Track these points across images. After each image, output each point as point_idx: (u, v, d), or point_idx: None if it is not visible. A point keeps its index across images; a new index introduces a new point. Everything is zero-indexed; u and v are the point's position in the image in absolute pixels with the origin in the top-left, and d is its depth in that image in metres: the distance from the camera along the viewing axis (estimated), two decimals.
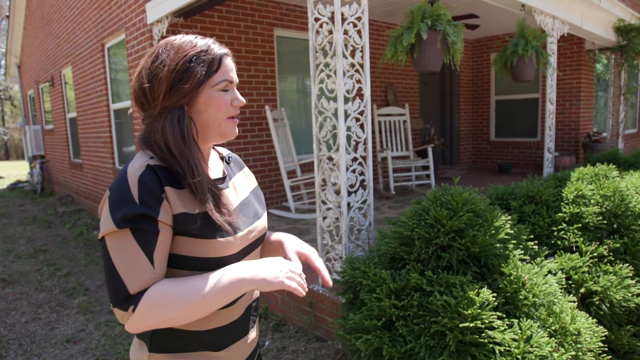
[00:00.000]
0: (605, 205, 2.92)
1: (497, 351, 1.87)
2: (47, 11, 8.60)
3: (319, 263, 1.15)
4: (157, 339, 1.03)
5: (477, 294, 1.97)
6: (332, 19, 2.66)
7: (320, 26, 2.72)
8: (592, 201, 2.96)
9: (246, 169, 1.28)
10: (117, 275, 0.89)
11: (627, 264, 2.60)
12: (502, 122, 8.75)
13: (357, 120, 2.79)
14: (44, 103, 10.35)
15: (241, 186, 1.19)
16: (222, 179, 1.13)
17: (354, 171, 2.79)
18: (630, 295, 2.45)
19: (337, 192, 2.79)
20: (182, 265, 0.98)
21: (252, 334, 1.17)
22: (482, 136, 9.01)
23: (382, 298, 2.10)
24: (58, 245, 5.94)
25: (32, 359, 3.05)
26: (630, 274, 2.53)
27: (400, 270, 2.23)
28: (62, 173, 9.51)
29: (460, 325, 1.89)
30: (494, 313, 1.95)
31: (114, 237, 0.91)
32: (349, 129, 2.75)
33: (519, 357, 1.87)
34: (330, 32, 2.67)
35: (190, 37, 1.03)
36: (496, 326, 1.94)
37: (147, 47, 4.76)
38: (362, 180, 2.89)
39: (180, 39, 1.03)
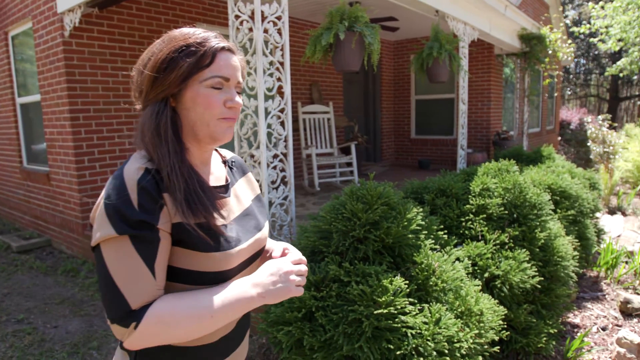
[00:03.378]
0: (506, 197, 3.20)
1: (410, 334, 2.00)
2: None
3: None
4: (142, 353, 0.94)
5: (391, 282, 2.10)
6: (252, 17, 2.68)
7: (241, 24, 2.72)
8: (496, 193, 3.23)
9: (249, 174, 1.19)
10: (116, 287, 0.83)
11: (524, 250, 2.87)
12: (422, 120, 9.20)
13: (278, 117, 2.83)
14: None
15: (243, 194, 1.10)
16: (225, 187, 1.04)
17: (274, 168, 2.83)
18: (526, 277, 2.71)
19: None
20: (177, 279, 0.92)
21: (244, 347, 1.13)
22: (404, 134, 9.42)
23: None
24: None
25: None
26: (527, 259, 2.80)
27: (320, 263, 2.31)
28: None
29: (376, 312, 2.00)
30: (407, 299, 2.08)
31: (112, 244, 0.84)
32: (269, 126, 2.78)
33: (429, 338, 2.02)
34: (251, 29, 2.69)
35: (191, 30, 0.96)
36: (408, 311, 2.07)
37: (57, 38, 4.47)
38: (283, 177, 2.94)
39: (180, 30, 0.97)
